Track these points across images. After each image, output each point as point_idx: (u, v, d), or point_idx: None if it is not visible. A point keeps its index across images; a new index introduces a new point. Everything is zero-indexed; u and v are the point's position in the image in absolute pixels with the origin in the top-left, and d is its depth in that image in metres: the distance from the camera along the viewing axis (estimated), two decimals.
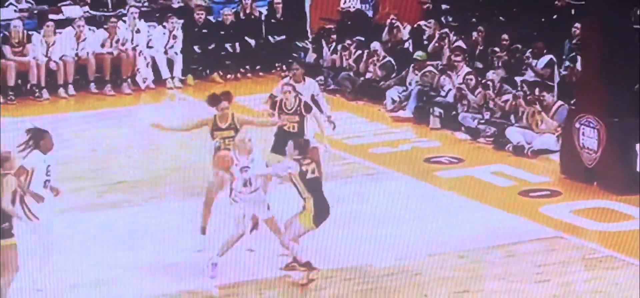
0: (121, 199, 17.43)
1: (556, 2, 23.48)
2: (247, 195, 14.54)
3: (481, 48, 23.09)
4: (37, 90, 23.02)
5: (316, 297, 14.17)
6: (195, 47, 24.62)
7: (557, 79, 21.55)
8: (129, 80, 23.86)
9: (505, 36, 22.76)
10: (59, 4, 24.56)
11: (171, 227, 16.12)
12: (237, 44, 24.91)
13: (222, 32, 24.98)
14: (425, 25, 24.38)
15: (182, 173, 18.20)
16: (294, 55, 24.89)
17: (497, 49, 22.62)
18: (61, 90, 23.27)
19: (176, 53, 24.28)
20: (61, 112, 22.12)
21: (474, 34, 23.45)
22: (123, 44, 23.74)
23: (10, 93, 23.06)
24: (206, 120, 15.52)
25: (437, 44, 23.52)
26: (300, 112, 16.44)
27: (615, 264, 15.33)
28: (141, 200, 17.59)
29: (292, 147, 14.50)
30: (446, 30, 23.81)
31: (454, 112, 21.26)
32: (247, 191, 14.53)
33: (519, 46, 22.50)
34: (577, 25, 21.80)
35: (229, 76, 24.49)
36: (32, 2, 24.49)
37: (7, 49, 23.23)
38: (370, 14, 25.62)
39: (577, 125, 18.45)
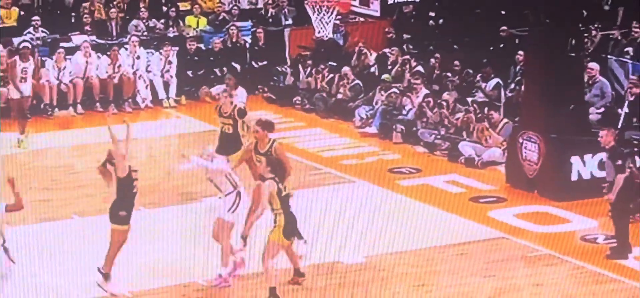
0: None
1: (502, 33, 23.50)
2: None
3: (437, 72, 23.09)
4: (50, 109, 22.92)
5: (293, 290, 14.18)
6: (188, 72, 24.49)
7: (503, 99, 21.53)
8: (129, 100, 23.79)
9: (457, 62, 22.81)
10: (69, 34, 24.52)
11: (166, 228, 16.23)
12: (224, 69, 24.67)
13: (212, 58, 24.83)
14: (389, 52, 24.22)
15: (175, 181, 18.24)
16: (274, 79, 24.98)
17: (449, 74, 22.65)
18: (71, 109, 23.19)
19: (171, 76, 24.16)
20: (71, 128, 22.02)
21: (432, 60, 23.41)
22: (118, 68, 23.75)
23: (27, 112, 22.81)
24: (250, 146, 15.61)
25: (399, 69, 23.43)
26: (234, 116, 16.84)
27: (552, 261, 15.47)
28: (140, 205, 17.65)
29: (265, 164, 14.11)
30: (407, 56, 23.72)
31: (413, 128, 21.22)
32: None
33: (470, 71, 22.54)
34: (521, 52, 21.88)
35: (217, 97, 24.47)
36: (47, 31, 24.35)
37: None
38: (341, 42, 25.53)
39: (520, 140, 18.51)
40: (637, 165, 16.23)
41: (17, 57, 21.63)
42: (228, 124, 16.97)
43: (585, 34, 21.83)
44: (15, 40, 24.06)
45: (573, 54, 18.71)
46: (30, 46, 22.19)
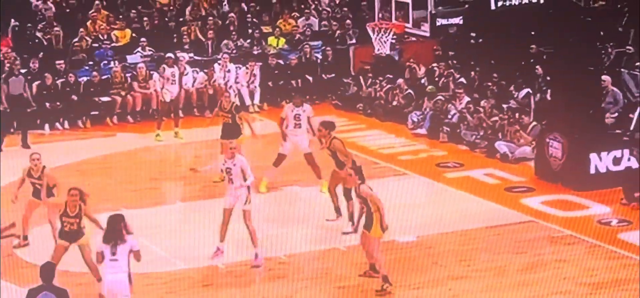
0: (213, 192, 17.42)
1: (531, 50, 23.41)
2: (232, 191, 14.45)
3: (477, 83, 23.08)
4: (156, 114, 22.80)
5: (356, 263, 14.29)
6: (269, 83, 24.67)
7: (533, 106, 21.40)
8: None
9: (495, 75, 22.75)
10: (172, 52, 24.75)
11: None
12: (299, 80, 24.90)
13: (289, 72, 24.97)
14: (436, 66, 24.22)
15: (257, 173, 18.10)
16: (340, 89, 25.07)
17: (489, 84, 22.60)
18: (173, 114, 23.27)
19: (256, 87, 24.32)
20: (174, 129, 22.03)
21: (472, 73, 23.39)
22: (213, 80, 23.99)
23: (137, 116, 23.40)
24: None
25: (445, 80, 23.47)
26: (232, 112, 18.03)
27: (572, 241, 15.50)
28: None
29: (354, 173, 13.87)
30: (451, 70, 23.67)
31: (457, 130, 21.26)
32: (232, 188, 14.43)
33: (504, 82, 22.48)
34: (538, 66, 21.92)
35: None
36: (153, 50, 24.63)
37: (135, 85, 23.53)
38: (396, 58, 25.55)
39: (547, 139, 18.52)
40: None
41: (164, 65, 21.89)
42: (227, 117, 18.04)
43: (603, 51, 21.82)
44: (128, 58, 24.58)
45: (592, 68, 18.72)
46: (173, 56, 22.46)
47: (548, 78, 21.49)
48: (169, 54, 22.52)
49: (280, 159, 17.76)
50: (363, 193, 13.65)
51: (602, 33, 21.53)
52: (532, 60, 23.20)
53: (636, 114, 19.62)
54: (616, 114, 20.01)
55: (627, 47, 22.39)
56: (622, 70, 21.42)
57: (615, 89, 20.42)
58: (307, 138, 17.65)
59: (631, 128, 19.06)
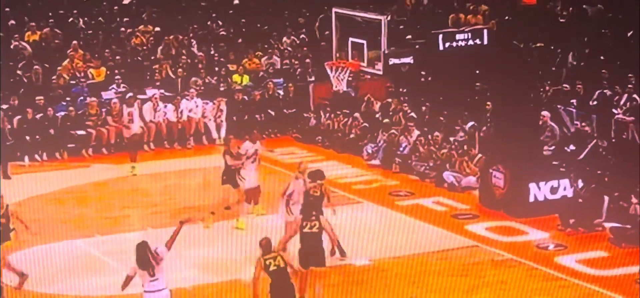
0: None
1: (476, 88, 23.55)
2: None
3: (427, 117, 23.13)
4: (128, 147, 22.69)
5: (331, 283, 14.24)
6: (234, 117, 24.60)
7: (477, 138, 21.50)
8: (190, 138, 23.94)
9: (445, 112, 22.81)
10: (144, 88, 24.67)
11: (211, 239, 16.36)
12: (262, 114, 24.84)
13: (253, 107, 24.94)
14: (390, 101, 24.27)
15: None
16: (300, 123, 24.94)
17: (441, 118, 22.62)
18: (145, 146, 23.31)
19: (222, 121, 24.20)
20: (145, 161, 22.01)
21: (423, 108, 23.48)
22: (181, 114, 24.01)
23: (111, 148, 23.17)
24: None
25: (397, 115, 23.55)
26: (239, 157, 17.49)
27: (513, 264, 15.63)
28: (199, 218, 17.67)
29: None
30: (404, 105, 23.81)
31: (409, 161, 21.31)
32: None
33: (453, 116, 22.45)
34: (489, 103, 22.19)
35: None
36: (127, 86, 24.52)
37: (109, 119, 23.40)
38: (353, 94, 25.63)
39: (490, 170, 18.66)
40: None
41: (124, 105, 21.92)
42: (238, 163, 17.38)
43: (541, 89, 22.05)
44: (103, 94, 24.47)
45: (532, 104, 18.96)
46: (133, 95, 22.49)
47: (488, 115, 21.68)
48: (130, 94, 22.59)
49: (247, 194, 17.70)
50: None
51: (540, 72, 21.78)
52: (477, 97, 23.36)
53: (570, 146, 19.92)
54: (553, 147, 20.25)
55: (564, 85, 22.68)
56: (559, 106, 21.70)
57: (552, 123, 20.69)
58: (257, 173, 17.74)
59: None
